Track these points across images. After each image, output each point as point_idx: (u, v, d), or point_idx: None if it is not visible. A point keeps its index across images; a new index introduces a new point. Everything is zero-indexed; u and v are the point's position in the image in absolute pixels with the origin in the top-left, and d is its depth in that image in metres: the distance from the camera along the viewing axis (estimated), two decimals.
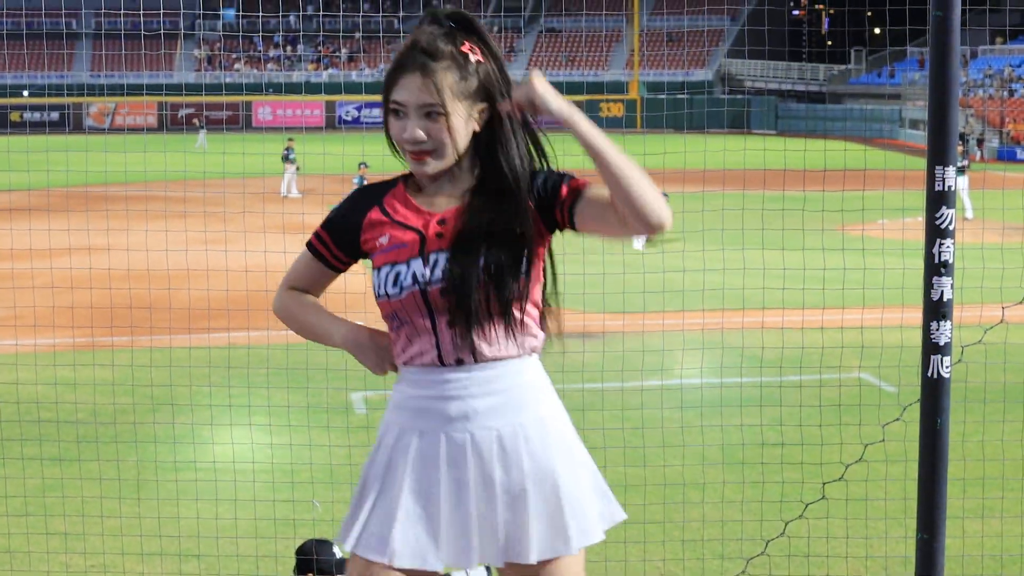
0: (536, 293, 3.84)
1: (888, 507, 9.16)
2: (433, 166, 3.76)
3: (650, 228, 3.60)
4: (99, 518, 9.03)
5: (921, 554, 5.26)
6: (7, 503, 9.29)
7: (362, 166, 28.82)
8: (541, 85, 3.62)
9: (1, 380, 11.84)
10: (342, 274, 4.06)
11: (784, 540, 8.33)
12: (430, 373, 3.79)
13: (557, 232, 3.86)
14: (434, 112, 3.70)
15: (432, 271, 3.71)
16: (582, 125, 3.58)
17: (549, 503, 3.79)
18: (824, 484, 8.32)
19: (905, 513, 8.67)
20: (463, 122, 3.74)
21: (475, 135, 3.80)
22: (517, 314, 3.77)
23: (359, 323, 3.93)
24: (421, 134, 3.72)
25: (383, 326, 3.92)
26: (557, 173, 3.82)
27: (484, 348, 3.76)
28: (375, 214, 3.88)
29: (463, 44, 3.77)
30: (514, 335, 3.79)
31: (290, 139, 38.67)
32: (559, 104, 3.61)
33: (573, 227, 3.78)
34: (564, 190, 3.76)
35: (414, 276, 3.72)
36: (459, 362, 3.77)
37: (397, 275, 3.74)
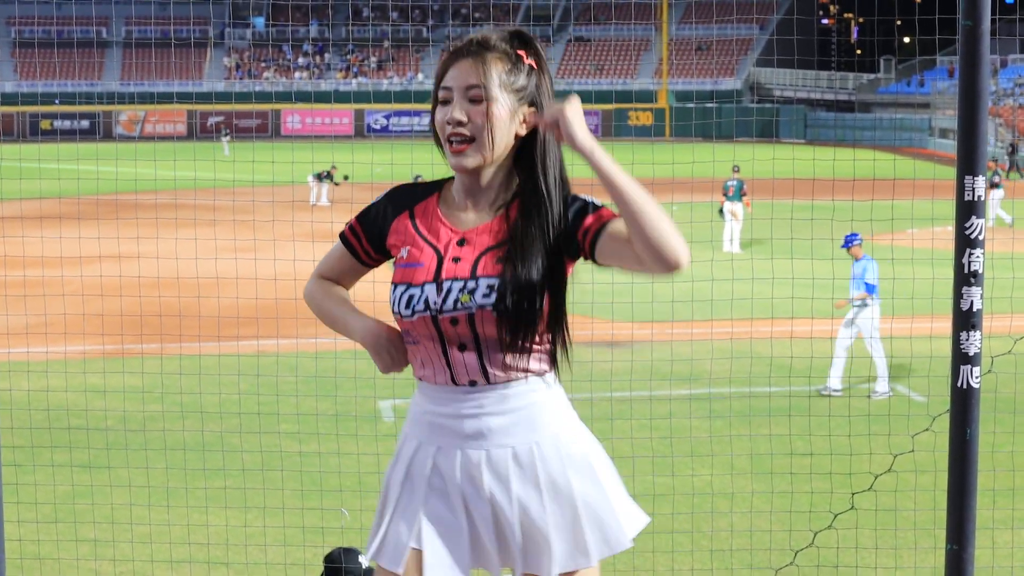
0: (552, 316, 3.79)
1: (917, 518, 9.14)
2: (472, 158, 3.70)
3: (667, 267, 3.56)
4: (128, 525, 9.07)
5: (950, 565, 5.24)
6: (37, 510, 9.33)
7: (418, 178, 28.83)
8: (572, 112, 3.56)
9: (31, 387, 11.88)
10: (372, 270, 4.05)
11: (813, 550, 8.31)
12: (444, 392, 3.79)
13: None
14: (479, 96, 3.68)
15: (444, 299, 3.69)
16: (604, 160, 3.54)
17: (567, 517, 3.79)
18: (853, 494, 8.30)
19: (934, 524, 8.65)
20: (507, 114, 3.70)
21: (519, 145, 3.77)
22: (530, 342, 3.75)
23: (380, 320, 3.92)
24: (462, 115, 3.68)
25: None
26: (585, 200, 3.77)
27: (497, 372, 3.75)
28: (403, 219, 3.87)
29: (518, 49, 3.78)
30: (527, 359, 3.77)
31: (334, 167, 38.62)
32: (584, 135, 3.55)
33: (594, 259, 3.74)
34: (590, 219, 3.71)
35: (426, 302, 3.71)
36: (472, 383, 3.77)
37: (410, 298, 3.73)
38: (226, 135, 60.22)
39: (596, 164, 3.54)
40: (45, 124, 71.33)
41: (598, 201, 3.76)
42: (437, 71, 3.81)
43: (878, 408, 12.27)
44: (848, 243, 14.53)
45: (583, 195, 3.80)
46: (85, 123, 70.92)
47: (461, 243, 3.77)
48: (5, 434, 10.47)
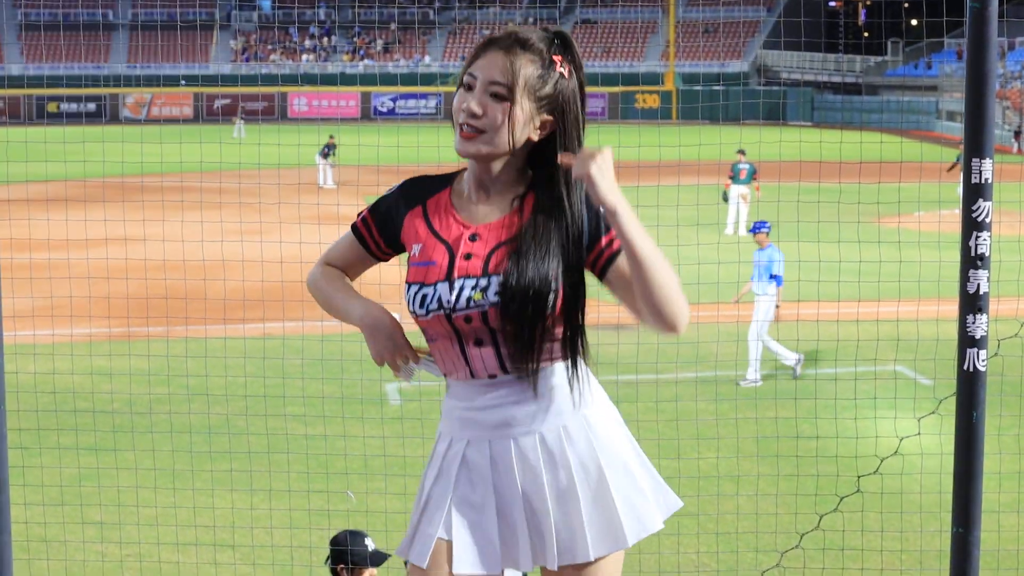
0: (566, 313, 3.76)
1: (923, 501, 9.14)
2: (476, 148, 3.66)
3: (664, 329, 3.59)
4: (135, 507, 9.08)
5: (956, 548, 5.24)
6: (44, 492, 9.35)
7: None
8: (599, 168, 3.48)
9: (38, 370, 11.89)
10: (380, 263, 4.02)
11: (819, 533, 8.31)
12: (467, 386, 3.78)
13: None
14: (500, 94, 3.64)
15: (457, 298, 3.67)
16: (627, 223, 3.49)
17: (600, 500, 3.78)
18: (859, 477, 8.30)
19: (940, 507, 8.64)
20: (523, 119, 3.65)
21: (532, 146, 3.73)
22: (541, 338, 3.72)
23: (383, 307, 3.88)
24: (478, 108, 3.64)
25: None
26: (599, 213, 3.72)
27: (515, 366, 3.73)
28: (416, 214, 3.83)
29: (556, 54, 3.72)
30: (545, 347, 3.74)
31: (331, 136, 38.63)
32: (608, 194, 3.47)
33: (598, 279, 3.75)
34: (604, 240, 3.70)
35: (439, 301, 3.68)
36: (491, 376, 3.75)
37: (424, 297, 3.70)
38: (241, 118, 60.21)
39: (618, 225, 3.50)
40: (52, 107, 71.34)
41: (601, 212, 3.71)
42: (470, 53, 3.76)
43: (884, 391, 12.26)
44: (756, 229, 14.49)
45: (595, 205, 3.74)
46: (91, 106, 70.90)
47: (473, 238, 3.73)
48: (11, 417, 10.46)
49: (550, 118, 3.72)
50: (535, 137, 3.72)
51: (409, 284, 3.76)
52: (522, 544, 3.79)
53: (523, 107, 3.66)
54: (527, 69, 3.67)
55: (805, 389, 12.48)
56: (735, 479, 10.25)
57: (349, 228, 3.99)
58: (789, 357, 14.38)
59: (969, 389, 5.15)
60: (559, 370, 3.80)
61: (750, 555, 8.78)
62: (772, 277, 14.25)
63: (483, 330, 3.70)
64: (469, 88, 3.70)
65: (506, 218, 3.75)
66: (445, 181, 3.89)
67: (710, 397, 12.95)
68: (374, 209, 3.93)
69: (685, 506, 3.77)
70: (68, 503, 9.27)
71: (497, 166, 3.74)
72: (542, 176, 3.76)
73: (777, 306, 14.34)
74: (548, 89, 3.70)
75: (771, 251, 14.34)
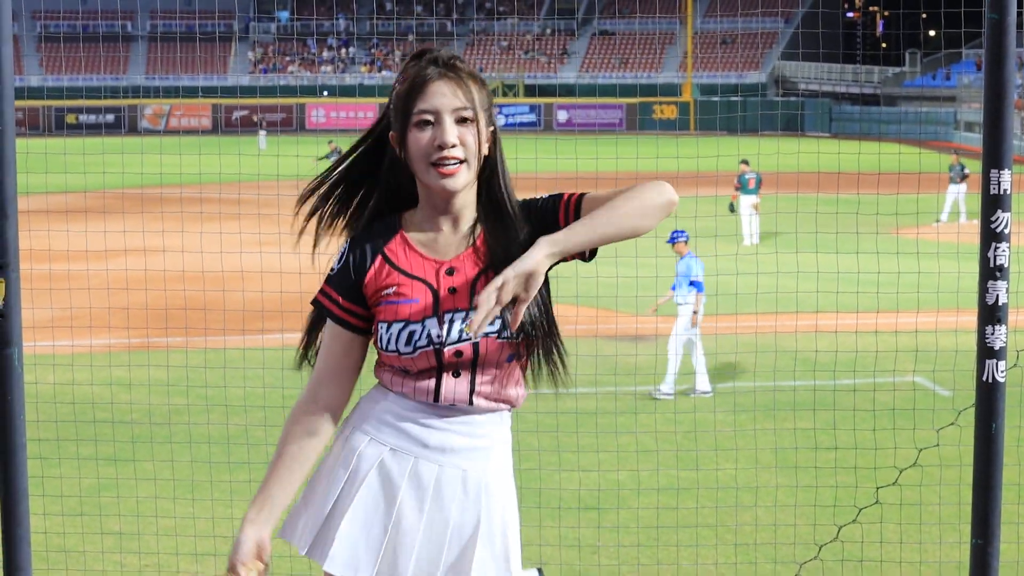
0: (546, 330, 3.79)
1: (942, 512, 9.12)
2: (463, 179, 3.66)
3: (658, 221, 3.67)
4: (153, 518, 9.09)
5: (975, 560, 5.24)
6: (63, 503, 9.37)
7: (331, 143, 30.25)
8: (521, 269, 3.49)
9: (57, 380, 11.91)
10: (368, 337, 3.88)
11: (837, 545, 8.30)
12: (419, 406, 3.78)
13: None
14: (467, 117, 3.65)
15: (448, 332, 3.67)
16: (571, 244, 3.54)
17: (496, 557, 3.79)
18: (878, 489, 8.28)
19: (959, 518, 8.62)
20: (485, 134, 3.70)
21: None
22: (520, 370, 3.78)
23: (264, 530, 3.88)
24: (455, 138, 3.63)
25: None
26: (541, 197, 3.79)
27: (481, 401, 3.75)
28: (379, 263, 3.78)
29: (469, 70, 3.76)
30: (509, 388, 3.78)
31: (330, 141, 38.75)
32: (539, 259, 3.50)
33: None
34: (564, 196, 3.74)
35: (429, 337, 3.68)
36: (451, 405, 3.76)
37: (411, 334, 3.69)
38: (263, 129, 60.30)
39: (573, 248, 3.56)
40: (71, 118, 71.50)
41: (546, 194, 3.79)
42: (403, 98, 3.70)
43: (903, 402, 12.24)
44: (673, 239, 14.32)
45: (530, 196, 3.82)
46: (110, 117, 71.09)
47: (450, 272, 3.73)
48: (31, 427, 10.49)
49: (492, 127, 3.77)
50: (486, 150, 3.74)
51: (389, 323, 3.72)
52: (408, 565, 3.76)
53: (482, 123, 3.70)
54: (473, 86, 3.71)
55: (823, 400, 12.44)
56: (753, 490, 10.24)
57: (327, 320, 3.90)
58: (703, 385, 14.16)
59: (988, 400, 5.15)
60: (506, 419, 3.86)
61: (768, 566, 8.76)
62: (692, 284, 14.08)
63: (468, 363, 3.70)
64: (427, 125, 3.67)
65: (474, 247, 3.75)
66: (390, 227, 3.84)
67: (728, 408, 12.94)
68: (330, 280, 3.86)
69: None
70: (87, 513, 9.29)
71: (465, 193, 3.74)
72: (488, 195, 3.78)
73: (695, 312, 14.15)
74: (486, 100, 3.75)
75: (689, 259, 14.21)
